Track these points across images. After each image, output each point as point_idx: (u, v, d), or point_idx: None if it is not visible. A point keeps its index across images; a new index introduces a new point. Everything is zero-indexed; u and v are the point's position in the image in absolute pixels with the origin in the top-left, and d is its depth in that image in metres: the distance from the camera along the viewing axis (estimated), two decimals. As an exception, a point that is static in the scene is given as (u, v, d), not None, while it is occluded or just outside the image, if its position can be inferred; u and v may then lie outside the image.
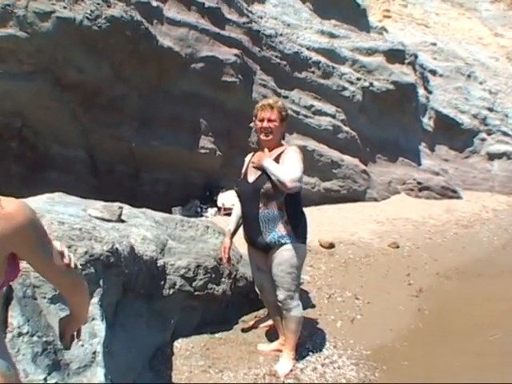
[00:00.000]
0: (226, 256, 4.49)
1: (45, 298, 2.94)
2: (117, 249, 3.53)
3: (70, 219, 3.74)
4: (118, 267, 3.51)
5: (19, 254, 1.62)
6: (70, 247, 3.16)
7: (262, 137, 4.12)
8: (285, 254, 4.01)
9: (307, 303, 6.06)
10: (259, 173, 4.02)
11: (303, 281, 6.89)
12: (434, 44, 23.73)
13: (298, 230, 4.07)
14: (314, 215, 12.58)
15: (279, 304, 4.19)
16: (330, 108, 15.22)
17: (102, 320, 3.15)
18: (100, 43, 9.64)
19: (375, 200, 15.46)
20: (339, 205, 14.26)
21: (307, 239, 4.25)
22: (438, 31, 27.17)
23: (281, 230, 3.99)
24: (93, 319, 3.10)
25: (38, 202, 4.32)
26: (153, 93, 11.07)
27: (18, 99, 9.30)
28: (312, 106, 14.75)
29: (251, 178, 4.12)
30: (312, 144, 14.28)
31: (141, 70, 10.60)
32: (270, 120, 4.04)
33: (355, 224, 11.60)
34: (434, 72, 21.54)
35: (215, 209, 12.11)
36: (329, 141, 14.82)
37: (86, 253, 3.20)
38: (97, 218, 4.31)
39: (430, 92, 20.31)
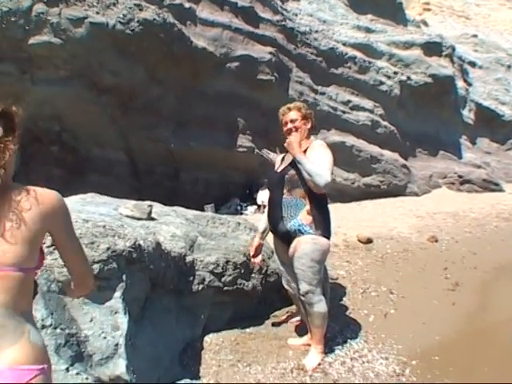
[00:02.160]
0: (252, 254, 4.62)
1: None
2: (139, 245, 3.61)
3: (99, 218, 3.84)
4: (141, 263, 3.59)
5: (53, 232, 1.93)
6: (92, 243, 3.27)
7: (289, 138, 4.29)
8: (305, 248, 4.02)
9: (341, 298, 6.07)
10: (286, 164, 4.23)
11: (338, 276, 6.89)
12: (475, 36, 23.27)
13: (319, 222, 4.08)
14: (354, 211, 12.60)
15: (302, 298, 4.21)
16: (367, 103, 15.09)
17: (125, 314, 3.24)
18: (133, 46, 9.76)
19: (416, 194, 15.26)
20: (379, 200, 14.16)
21: (330, 234, 4.24)
22: (478, 23, 26.72)
23: (302, 218, 4.04)
24: (116, 312, 3.20)
25: (71, 202, 4.43)
26: (188, 94, 11.16)
27: (56, 104, 9.49)
28: (349, 101, 14.66)
29: (280, 168, 4.35)
30: (350, 139, 14.20)
31: (175, 71, 10.70)
32: (291, 121, 4.27)
33: (395, 219, 11.51)
34: (473, 64, 21.09)
35: (255, 206, 12.15)
36: (367, 136, 14.69)
37: (108, 249, 3.29)
38: (127, 216, 4.41)
39: (469, 84, 19.89)
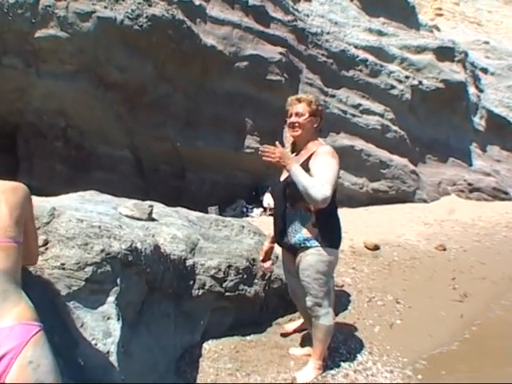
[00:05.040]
0: (261, 258, 4.42)
1: (59, 295, 2.89)
2: (136, 247, 3.44)
3: (96, 217, 3.69)
4: (138, 266, 3.42)
5: (25, 214, 2.42)
6: (86, 245, 3.10)
7: (290, 132, 3.91)
8: (309, 259, 3.80)
9: (346, 306, 5.93)
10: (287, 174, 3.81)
11: (343, 283, 6.74)
12: (487, 42, 23.09)
13: (325, 234, 3.81)
14: (361, 216, 12.42)
15: (308, 311, 4.02)
16: (378, 107, 14.94)
17: (118, 319, 3.07)
18: (142, 42, 9.65)
19: (424, 201, 15.09)
20: (387, 206, 14.00)
21: (339, 242, 4.01)
22: (490, 29, 26.56)
23: (307, 232, 3.79)
24: (108, 318, 3.04)
25: (69, 200, 4.30)
26: (197, 92, 11.05)
27: (62, 99, 9.40)
28: (360, 104, 14.51)
29: (283, 177, 3.98)
30: (360, 144, 14.05)
31: (184, 69, 10.58)
32: (297, 114, 3.86)
33: (402, 225, 11.35)
34: (485, 70, 20.89)
35: (261, 209, 12.00)
36: (377, 140, 14.54)
37: (102, 251, 3.12)
38: (127, 216, 4.26)
39: (481, 91, 19.70)
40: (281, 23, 12.94)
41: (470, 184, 16.50)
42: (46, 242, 3.00)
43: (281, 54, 12.34)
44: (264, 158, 3.64)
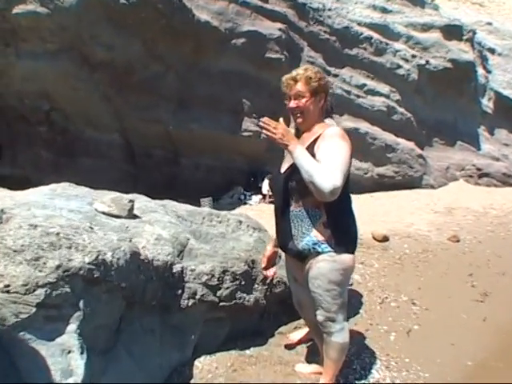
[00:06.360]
0: (263, 266, 3.75)
1: (3, 325, 2.24)
2: (104, 259, 2.75)
3: (66, 215, 3.08)
4: (107, 282, 2.74)
5: None
6: (37, 260, 2.43)
7: (295, 119, 3.22)
8: (321, 266, 3.10)
9: (357, 309, 5.39)
10: (290, 162, 3.11)
11: (353, 281, 6.12)
12: (490, 23, 22.41)
13: (339, 236, 3.11)
14: (366, 203, 11.82)
15: (319, 326, 3.36)
16: (383, 87, 14.24)
17: (82, 353, 2.43)
18: (129, 18, 8.94)
19: (432, 187, 14.47)
20: (394, 192, 13.45)
21: (355, 246, 3.31)
22: (493, 10, 25.94)
23: (317, 234, 3.08)
24: (68, 352, 2.40)
25: (37, 195, 3.69)
26: (190, 72, 10.38)
27: (44, 80, 8.82)
28: (364, 85, 13.83)
29: (284, 168, 3.28)
30: (364, 126, 13.40)
31: (176, 47, 9.90)
32: (296, 97, 3.13)
33: (411, 214, 10.78)
34: (492, 51, 20.17)
35: (259, 196, 11.40)
36: (383, 123, 13.87)
37: (58, 267, 2.45)
38: (103, 213, 3.63)
39: (489, 71, 19.02)
40: (280, -3, 12.30)
41: (478, 169, 15.89)
42: (-12, 256, 2.36)
43: (280, 30, 11.67)
44: (264, 132, 2.95)
